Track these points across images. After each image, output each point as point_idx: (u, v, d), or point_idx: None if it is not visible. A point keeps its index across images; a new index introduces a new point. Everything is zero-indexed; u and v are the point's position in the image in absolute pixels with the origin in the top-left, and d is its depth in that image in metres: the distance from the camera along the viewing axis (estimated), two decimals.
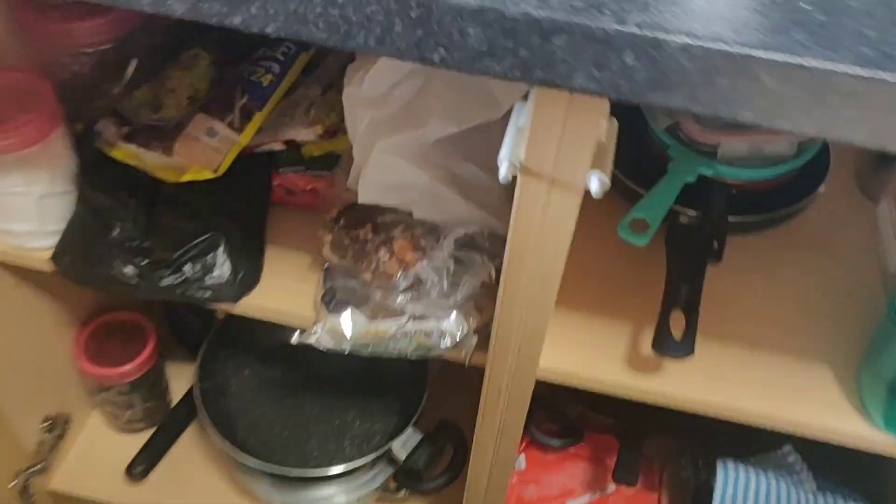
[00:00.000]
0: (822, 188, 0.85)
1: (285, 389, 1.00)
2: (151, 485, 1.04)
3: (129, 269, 0.74)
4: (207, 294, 0.74)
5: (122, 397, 1.01)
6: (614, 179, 0.83)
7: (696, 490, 0.96)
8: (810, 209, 0.87)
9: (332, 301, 0.73)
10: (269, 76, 0.77)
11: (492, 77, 0.42)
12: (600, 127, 0.49)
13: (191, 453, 1.06)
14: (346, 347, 0.71)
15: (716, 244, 0.79)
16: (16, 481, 0.94)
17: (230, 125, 0.75)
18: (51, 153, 0.73)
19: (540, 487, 1.06)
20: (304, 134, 0.75)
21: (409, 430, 0.91)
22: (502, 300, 0.60)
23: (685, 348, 0.69)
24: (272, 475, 0.91)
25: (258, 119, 0.75)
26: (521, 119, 0.51)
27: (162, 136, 0.76)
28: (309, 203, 0.81)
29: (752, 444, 0.98)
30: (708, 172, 0.82)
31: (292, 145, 0.80)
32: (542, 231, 0.53)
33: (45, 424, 0.98)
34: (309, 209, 0.81)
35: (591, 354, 0.73)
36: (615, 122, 0.52)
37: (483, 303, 0.71)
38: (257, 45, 0.81)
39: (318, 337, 0.71)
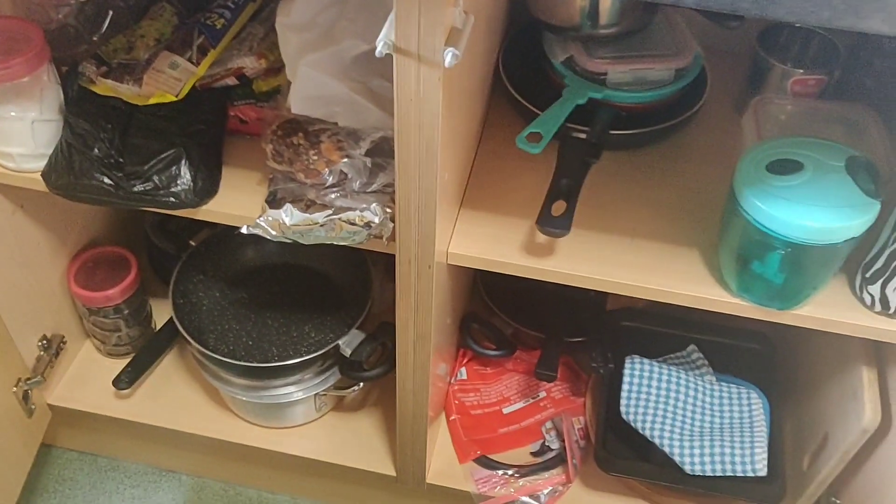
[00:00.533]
0: (697, 108, 1.00)
1: (249, 307, 1.14)
2: (135, 398, 1.18)
3: (107, 180, 0.89)
4: (172, 200, 0.89)
5: (109, 321, 1.16)
6: (517, 103, 0.99)
7: (609, 382, 1.10)
8: (691, 127, 1.02)
9: (273, 200, 0.88)
10: (222, 20, 0.92)
11: None
12: (452, 14, 0.64)
13: (169, 372, 1.21)
14: (286, 235, 0.86)
15: (593, 151, 0.94)
16: (16, 388, 1.08)
17: (189, 59, 0.90)
18: (40, 84, 0.89)
19: (479, 396, 1.20)
20: (250, 63, 0.91)
21: (354, 331, 1.05)
22: (398, 174, 0.75)
23: (563, 225, 0.83)
24: (240, 376, 1.05)
25: (212, 55, 0.91)
26: (392, 15, 0.66)
27: (134, 72, 0.92)
28: (259, 130, 0.96)
29: (662, 351, 1.13)
30: (597, 96, 0.97)
31: (244, 81, 0.95)
32: (419, 103, 0.68)
33: (42, 342, 1.13)
34: (259, 136, 0.96)
35: (495, 242, 0.88)
36: (472, 17, 0.68)
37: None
38: None
39: (264, 228, 0.86)
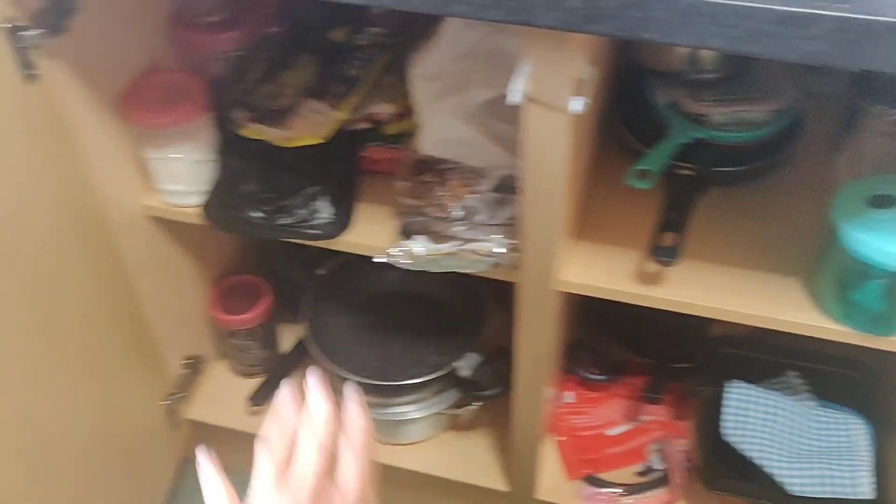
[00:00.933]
0: (794, 147, 1.06)
1: (371, 332, 1.24)
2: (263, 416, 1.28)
3: (257, 214, 1.00)
4: (313, 232, 0.99)
5: (243, 343, 1.27)
6: (624, 142, 1.07)
7: (712, 406, 1.15)
8: (788, 165, 1.07)
9: (404, 232, 0.97)
10: (358, 71, 1.03)
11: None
12: (579, 67, 0.72)
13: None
14: (417, 264, 0.95)
15: (700, 187, 1.01)
16: (164, 402, 1.19)
17: (331, 106, 1.01)
18: (201, 129, 1.00)
19: (586, 418, 1.27)
20: (384, 109, 1.01)
21: (471, 354, 1.14)
22: (526, 208, 0.83)
23: (673, 254, 0.90)
24: (366, 394, 1.14)
25: (351, 101, 1.01)
26: (524, 68, 0.75)
27: (280, 117, 1.03)
28: (388, 170, 1.06)
29: (762, 377, 1.18)
30: (701, 136, 1.04)
31: (376, 125, 1.05)
32: (546, 147, 0.77)
33: (186, 362, 1.25)
34: (388, 175, 1.06)
35: (607, 271, 0.95)
36: (596, 70, 0.76)
37: (517, 230, 0.94)
38: (347, 51, 1.07)
39: (397, 257, 0.95)
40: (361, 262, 1.25)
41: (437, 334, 1.23)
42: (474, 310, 1.21)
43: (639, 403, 1.27)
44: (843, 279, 0.87)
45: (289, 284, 1.33)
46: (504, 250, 0.92)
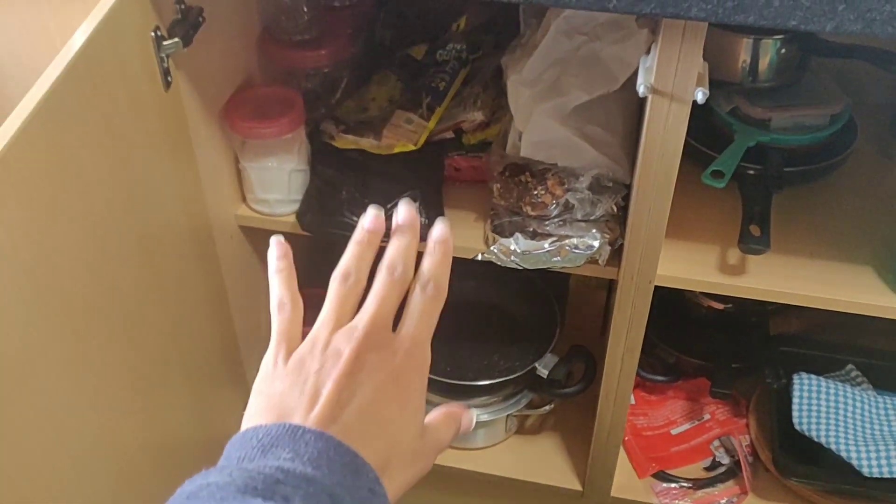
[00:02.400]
0: (853, 147, 1.13)
1: (442, 339, 1.25)
2: None
3: (355, 219, 1.03)
4: None
5: None
6: (692, 149, 1.13)
7: (777, 399, 1.20)
8: (845, 166, 1.15)
9: (498, 232, 1.02)
10: (443, 83, 1.09)
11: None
12: (700, 60, 0.78)
13: None
14: (515, 261, 0.99)
15: (776, 184, 1.07)
16: None
17: (421, 116, 1.06)
18: (298, 141, 1.05)
19: (648, 419, 1.31)
20: (472, 117, 1.06)
21: (549, 354, 1.18)
22: (635, 198, 0.88)
23: (763, 242, 0.96)
24: (443, 395, 1.18)
25: (440, 111, 1.07)
26: (647, 62, 0.81)
27: (370, 128, 1.08)
28: (469, 177, 1.11)
29: (820, 373, 1.23)
30: (765, 139, 1.11)
31: (457, 134, 1.10)
32: (665, 136, 0.82)
33: None
34: (469, 182, 1.11)
35: (694, 264, 1.00)
36: (707, 63, 0.82)
37: (611, 226, 1.00)
38: (427, 66, 1.13)
39: (495, 255, 1.00)
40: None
41: (506, 341, 1.26)
42: (541, 316, 1.26)
43: (698, 403, 1.32)
44: None
45: None
46: (599, 244, 0.97)
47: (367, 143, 1.07)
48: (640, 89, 0.79)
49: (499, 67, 1.07)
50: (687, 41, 0.76)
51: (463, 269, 1.27)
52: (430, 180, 1.08)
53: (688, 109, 0.80)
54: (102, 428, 0.83)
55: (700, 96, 0.78)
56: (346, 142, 1.08)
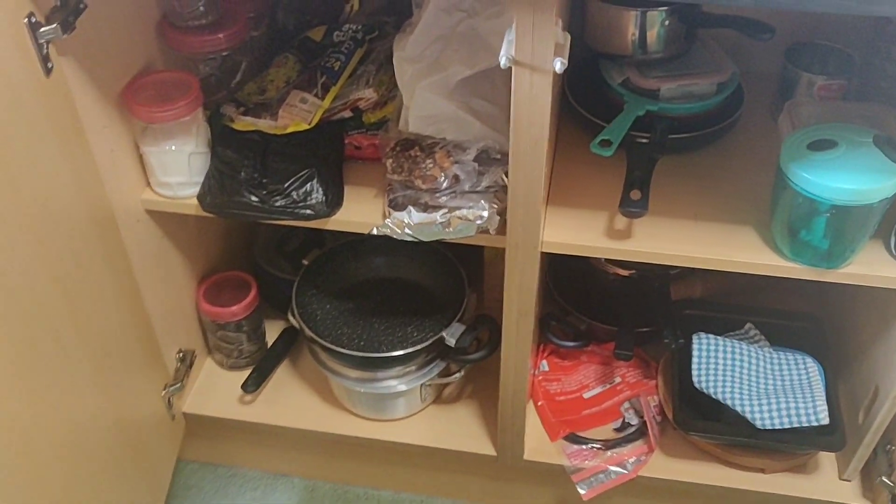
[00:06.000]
0: (738, 114, 1.18)
1: (357, 315, 1.30)
2: (257, 404, 1.34)
3: (254, 198, 1.07)
4: (308, 212, 1.06)
5: (233, 335, 1.32)
6: (582, 119, 1.17)
7: (678, 360, 1.25)
8: (734, 131, 1.19)
9: (394, 205, 1.05)
10: (338, 63, 1.12)
11: None
12: (556, 32, 0.82)
13: (285, 380, 1.37)
14: (409, 234, 1.03)
15: (659, 150, 1.11)
16: (164, 393, 1.24)
17: (315, 95, 1.09)
18: (196, 123, 1.07)
19: (561, 384, 1.35)
20: (366, 94, 1.09)
21: (456, 323, 1.22)
22: (512, 166, 0.92)
23: (641, 206, 1.00)
24: (356, 367, 1.22)
25: (334, 90, 1.10)
26: (509, 36, 0.84)
27: (269, 109, 1.11)
28: (370, 155, 1.14)
29: (721, 333, 1.28)
30: (654, 108, 1.15)
31: (356, 114, 1.13)
32: (531, 104, 0.86)
33: (179, 355, 1.30)
34: (370, 160, 1.14)
35: (580, 231, 1.04)
36: (569, 35, 0.86)
37: (500, 196, 1.03)
38: (325, 48, 1.16)
39: (391, 228, 1.03)
40: (343, 253, 1.34)
41: (418, 314, 1.30)
42: (452, 288, 1.29)
43: (609, 367, 1.37)
44: (792, 221, 0.98)
45: (271, 279, 1.39)
46: (488, 213, 1.01)
47: (263, 125, 1.09)
48: (503, 61, 0.82)
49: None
50: (539, 12, 0.79)
51: (374, 245, 1.33)
52: (328, 159, 1.11)
53: (549, 79, 0.84)
54: (35, 414, 0.86)
55: (559, 66, 0.82)
56: (244, 124, 1.11)
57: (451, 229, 1.02)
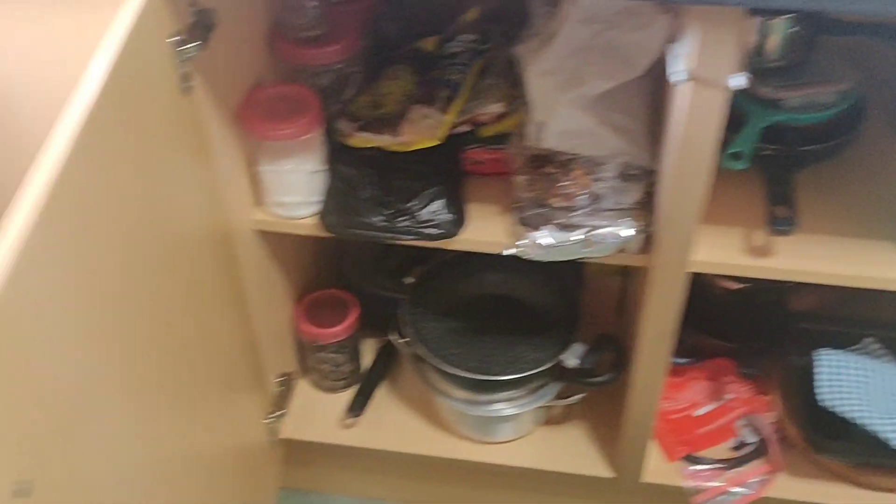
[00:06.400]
0: (865, 123, 1.13)
1: (465, 334, 1.25)
2: (359, 428, 1.29)
3: (377, 218, 1.02)
4: (434, 231, 1.02)
5: (332, 356, 1.28)
6: None
7: (801, 376, 1.21)
8: (857, 141, 1.14)
9: (525, 224, 1.01)
10: (459, 75, 1.07)
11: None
12: (737, 46, 0.77)
13: (386, 402, 1.32)
14: (544, 254, 0.98)
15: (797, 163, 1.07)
16: (266, 421, 1.20)
17: (439, 109, 1.04)
18: (316, 141, 1.03)
19: (672, 402, 1.31)
20: (491, 109, 1.04)
21: (575, 344, 1.17)
22: (669, 185, 0.88)
23: (790, 223, 0.96)
24: (467, 390, 1.17)
25: (458, 104, 1.05)
26: (679, 49, 0.80)
27: (386, 125, 1.06)
28: (490, 170, 1.10)
29: (839, 344, 1.24)
30: (781, 119, 1.11)
31: (475, 128, 1.08)
32: (701, 122, 0.81)
33: (280, 379, 1.25)
34: (488, 175, 1.10)
35: (722, 248, 0.99)
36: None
37: (640, 214, 0.99)
38: (440, 59, 1.11)
39: (525, 250, 0.99)
40: (448, 269, 1.30)
41: (529, 331, 1.25)
42: (559, 305, 1.25)
43: (718, 383, 1.32)
44: None
45: (369, 297, 1.35)
46: (633, 233, 0.97)
47: (385, 141, 1.05)
48: (673, 77, 0.78)
49: (510, 58, 1.05)
50: (719, 26, 0.75)
51: (478, 261, 1.28)
52: (450, 175, 1.07)
53: (723, 96, 0.80)
54: (148, 445, 0.81)
55: (740, 82, 0.78)
56: (361, 140, 1.06)
57: (589, 249, 0.98)
